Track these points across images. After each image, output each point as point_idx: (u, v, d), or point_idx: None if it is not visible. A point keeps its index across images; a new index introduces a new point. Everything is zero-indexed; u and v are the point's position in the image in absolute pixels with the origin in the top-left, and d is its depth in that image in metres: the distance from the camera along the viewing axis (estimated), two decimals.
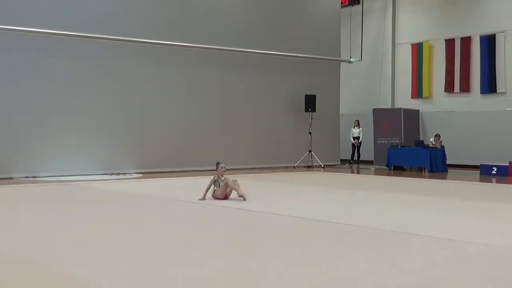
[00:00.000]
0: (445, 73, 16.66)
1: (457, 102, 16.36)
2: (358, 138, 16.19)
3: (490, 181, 11.52)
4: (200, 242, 4.58)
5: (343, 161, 16.62)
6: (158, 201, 7.53)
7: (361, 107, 17.66)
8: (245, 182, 8.08)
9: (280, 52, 14.91)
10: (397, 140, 15.50)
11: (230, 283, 3.31)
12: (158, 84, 12.99)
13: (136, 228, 5.27)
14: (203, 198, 7.18)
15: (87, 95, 11.93)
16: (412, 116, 16.51)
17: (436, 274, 3.51)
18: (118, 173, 11.95)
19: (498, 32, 15.45)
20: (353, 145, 16.28)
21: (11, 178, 10.62)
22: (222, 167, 7.17)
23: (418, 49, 17.39)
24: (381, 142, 15.86)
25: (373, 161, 15.99)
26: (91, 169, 11.69)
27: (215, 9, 14.06)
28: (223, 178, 7.18)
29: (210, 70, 13.83)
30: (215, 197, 7.21)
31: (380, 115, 16.24)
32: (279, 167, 14.43)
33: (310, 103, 15.05)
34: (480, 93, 15.90)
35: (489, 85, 15.65)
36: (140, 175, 11.91)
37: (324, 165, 14.85)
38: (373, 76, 18.23)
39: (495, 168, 12.97)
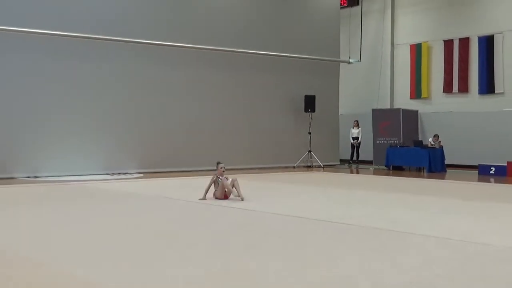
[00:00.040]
0: (444, 73, 16.73)
1: (456, 103, 16.43)
2: (357, 138, 16.25)
3: (489, 181, 11.58)
4: (200, 242, 4.59)
5: (342, 161, 16.68)
6: (158, 201, 7.55)
7: (360, 108, 17.74)
8: (245, 182, 8.11)
9: (280, 53, 14.97)
10: (396, 140, 15.56)
11: (230, 283, 3.31)
12: (158, 84, 13.04)
13: (136, 228, 5.28)
14: (203, 198, 7.22)
15: (88, 95, 11.98)
16: (411, 116, 16.57)
17: (436, 273, 3.52)
18: (119, 173, 12.00)
19: (496, 33, 15.52)
20: (353, 145, 16.34)
21: (13, 178, 10.67)
22: (221, 167, 7.18)
23: (417, 50, 17.45)
24: (380, 142, 15.93)
25: (372, 161, 16.05)
26: (91, 169, 11.74)
27: (215, 10, 14.11)
28: (222, 178, 7.18)
29: (210, 70, 13.88)
30: (215, 197, 7.26)
31: (379, 115, 16.31)
32: (279, 167, 14.49)
33: (309, 103, 15.10)
34: (478, 94, 15.97)
35: (487, 86, 15.72)
36: (141, 175, 11.96)
37: (323, 165, 14.91)
38: (372, 76, 18.30)
39: (493, 168, 13.03)
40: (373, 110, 16.53)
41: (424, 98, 17.30)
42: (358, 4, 17.62)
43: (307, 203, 7.32)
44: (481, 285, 3.30)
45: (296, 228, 5.34)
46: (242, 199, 7.08)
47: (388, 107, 17.66)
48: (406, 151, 14.54)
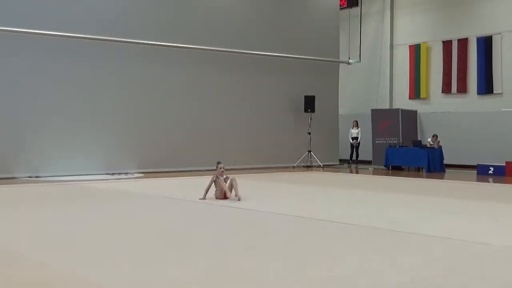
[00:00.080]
0: (443, 74, 16.80)
1: (454, 103, 16.50)
2: (356, 138, 16.31)
3: (487, 181, 11.63)
4: (200, 242, 4.60)
5: (342, 161, 16.74)
6: (158, 201, 7.56)
7: (359, 108, 17.81)
8: (244, 181, 8.12)
9: (280, 54, 15.04)
10: (395, 140, 15.62)
11: (230, 283, 3.32)
12: (158, 84, 13.09)
13: (136, 228, 5.29)
14: (203, 198, 7.24)
15: (89, 95, 12.03)
16: (410, 116, 16.64)
17: (435, 273, 3.54)
18: (120, 173, 12.05)
19: (495, 34, 15.59)
20: (352, 145, 16.40)
21: (14, 178, 10.72)
22: (220, 168, 7.18)
23: (415, 51, 17.52)
24: (379, 142, 15.99)
25: (371, 161, 16.11)
26: (92, 169, 11.79)
27: (215, 11, 14.16)
28: (221, 178, 7.19)
29: (210, 70, 13.93)
30: (216, 197, 7.30)
31: (378, 115, 16.37)
32: (278, 167, 14.54)
33: (309, 103, 15.16)
34: (477, 94, 16.04)
35: (486, 86, 15.79)
36: (141, 175, 12.01)
37: (323, 165, 14.96)
38: (372, 77, 18.36)
39: (492, 168, 13.09)
40: (373, 110, 16.60)
41: (423, 98, 17.37)
42: (357, 5, 17.70)
43: (306, 203, 7.32)
44: (481, 284, 3.32)
45: (296, 227, 5.34)
46: (239, 199, 7.07)
47: (387, 107, 17.72)
48: (405, 151, 14.60)
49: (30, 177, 10.96)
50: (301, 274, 3.51)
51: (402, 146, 14.98)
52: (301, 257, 4.00)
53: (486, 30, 15.75)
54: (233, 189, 7.26)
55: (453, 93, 16.60)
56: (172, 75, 13.31)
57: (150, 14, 13.03)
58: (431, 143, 14.46)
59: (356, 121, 16.42)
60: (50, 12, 11.51)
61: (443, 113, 16.44)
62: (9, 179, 10.48)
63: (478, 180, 11.93)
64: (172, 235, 4.93)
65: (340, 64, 16.94)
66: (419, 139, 15.89)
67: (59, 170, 11.33)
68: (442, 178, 12.29)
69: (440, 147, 14.33)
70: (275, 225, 5.50)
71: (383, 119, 16.20)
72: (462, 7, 16.49)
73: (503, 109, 15.20)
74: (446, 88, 16.74)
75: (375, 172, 14.19)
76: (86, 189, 9.08)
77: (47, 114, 11.44)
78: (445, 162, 14.39)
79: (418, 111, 17.04)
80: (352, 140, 16.38)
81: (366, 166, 15.74)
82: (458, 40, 16.38)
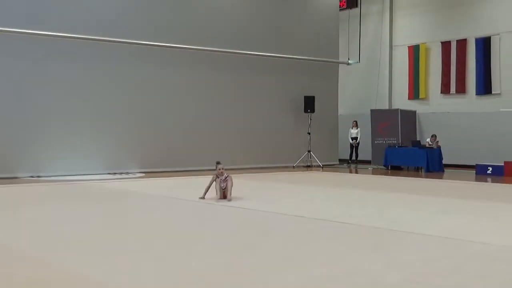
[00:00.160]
0: (441, 74, 16.89)
1: (453, 103, 16.59)
2: (356, 138, 16.40)
3: (486, 181, 11.66)
4: (199, 241, 4.57)
5: (341, 161, 16.82)
6: (158, 200, 7.58)
7: (359, 108, 17.91)
8: (245, 181, 8.08)
9: (280, 54, 15.12)
10: (394, 140, 15.71)
11: (230, 282, 3.33)
12: (159, 84, 13.16)
13: (136, 227, 5.30)
14: (203, 197, 7.26)
15: (90, 96, 12.11)
16: (409, 117, 16.72)
17: (434, 272, 3.56)
18: (121, 173, 12.14)
19: (493, 35, 15.69)
20: (351, 145, 16.48)
21: (16, 178, 10.79)
22: (219, 168, 7.13)
23: (414, 51, 17.62)
24: (378, 142, 16.08)
25: (370, 161, 16.20)
26: (94, 168, 11.87)
27: (215, 11, 14.23)
28: (221, 178, 7.17)
29: (210, 71, 14.02)
30: (218, 197, 7.36)
31: (377, 116, 16.45)
32: (278, 167, 14.62)
33: (309, 104, 15.25)
34: (476, 94, 16.14)
35: (484, 87, 15.89)
36: (142, 174, 12.09)
37: (322, 165, 15.05)
38: (371, 77, 18.45)
39: (490, 168, 13.17)
40: (372, 111, 16.69)
41: (422, 98, 17.46)
42: (357, 6, 17.80)
43: (306, 202, 7.32)
44: (480, 283, 3.32)
45: (296, 227, 5.33)
46: (229, 200, 7.02)
47: (387, 107, 17.81)
48: (405, 151, 14.69)
49: (32, 176, 11.04)
50: (301, 273, 3.51)
51: (401, 146, 15.07)
52: (301, 257, 4.00)
53: (485, 31, 15.85)
54: (229, 187, 7.17)
55: (452, 94, 16.69)
56: (172, 76, 13.38)
57: (151, 16, 13.10)
58: (430, 143, 14.55)
59: (356, 121, 16.51)
60: (52, 13, 11.58)
61: (442, 114, 16.54)
62: (11, 179, 10.55)
63: (476, 180, 11.97)
64: (172, 235, 4.92)
65: (340, 65, 17.03)
66: (418, 139, 15.97)
67: (60, 169, 11.41)
68: (441, 178, 12.34)
69: (439, 147, 14.42)
70: (275, 225, 5.49)
71: (382, 119, 16.29)
72: (460, 8, 16.58)
73: (501, 109, 15.29)
74: (445, 89, 16.84)
75: (375, 172, 14.24)
76: (87, 189, 9.11)
77: (48, 114, 11.51)
78: (444, 162, 14.47)
79: (417, 112, 17.13)
80: (352, 140, 16.46)
81: (366, 166, 15.83)
82: (457, 41, 16.47)
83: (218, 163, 7.21)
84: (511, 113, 14.99)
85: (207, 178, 7.54)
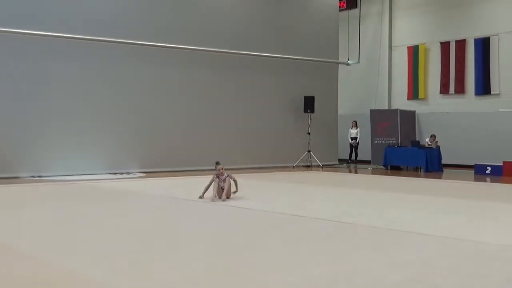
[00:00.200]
0: (441, 75, 16.93)
1: (452, 103, 16.63)
2: (355, 138, 16.43)
3: (485, 181, 11.70)
4: (199, 241, 4.57)
5: (341, 161, 16.85)
6: (159, 200, 7.60)
7: (358, 108, 17.95)
8: (244, 181, 8.08)
9: (280, 55, 15.16)
10: (394, 140, 15.75)
11: (230, 282, 3.33)
12: (159, 85, 13.19)
13: (136, 226, 5.31)
14: (202, 196, 7.29)
15: (90, 96, 12.13)
16: (408, 117, 16.76)
17: (433, 271, 3.58)
18: (122, 173, 12.17)
19: (492, 35, 15.73)
20: (351, 145, 16.51)
21: (17, 178, 10.82)
22: (219, 168, 7.14)
23: (414, 52, 17.65)
24: (378, 142, 16.12)
25: (370, 161, 16.23)
26: (94, 168, 11.90)
27: (214, 11, 14.26)
28: (221, 178, 7.20)
29: (210, 71, 14.04)
30: (219, 197, 7.38)
31: (377, 116, 16.49)
32: (278, 167, 14.65)
33: (309, 104, 15.29)
34: (475, 95, 16.17)
35: (483, 87, 15.93)
36: (143, 174, 12.12)
37: (322, 165, 15.08)
38: (370, 78, 18.49)
39: (489, 168, 13.21)
40: (371, 111, 16.72)
41: (421, 99, 17.50)
42: (356, 7, 17.85)
43: (306, 202, 7.34)
44: (479, 283, 3.34)
45: (296, 227, 5.34)
46: (223, 200, 7.05)
47: (386, 107, 17.84)
48: (404, 151, 14.73)
49: (33, 176, 11.07)
50: (300, 273, 3.52)
51: (400, 146, 15.10)
52: (301, 256, 4.02)
53: (484, 31, 15.89)
54: (227, 187, 7.21)
55: (451, 94, 16.73)
56: (172, 75, 13.41)
57: (151, 16, 13.12)
58: (429, 143, 14.59)
59: (355, 121, 16.54)
60: (52, 14, 11.60)
61: (441, 114, 16.57)
62: (13, 179, 10.58)
63: (475, 179, 11.99)
64: (172, 235, 4.94)
65: (340, 65, 17.06)
66: (417, 139, 16.01)
67: (61, 169, 11.44)
68: (440, 177, 12.37)
69: (438, 147, 14.45)
70: (274, 225, 5.51)
71: (382, 119, 16.32)
72: (459, 9, 16.62)
73: (500, 110, 15.33)
74: (444, 89, 16.88)
75: (374, 172, 14.28)
76: (87, 189, 9.13)
77: (49, 114, 11.53)
78: (443, 162, 14.51)
79: (416, 112, 17.16)
80: (351, 140, 16.50)
81: (365, 166, 15.86)
82: (456, 41, 16.51)
83: (217, 163, 7.23)
84: (510, 113, 15.03)
85: (207, 178, 7.56)
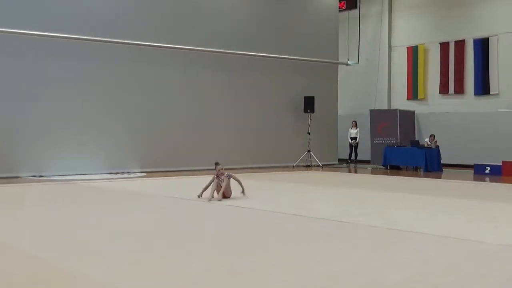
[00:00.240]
0: (440, 75, 16.94)
1: (452, 104, 16.65)
2: (355, 138, 16.45)
3: (484, 180, 11.71)
4: (199, 240, 4.59)
5: (341, 161, 16.87)
6: (159, 200, 7.62)
7: (358, 108, 17.97)
8: (245, 181, 8.10)
9: (280, 55, 15.17)
10: (393, 140, 15.77)
11: (230, 281, 3.34)
12: (159, 85, 13.21)
13: (136, 226, 5.33)
14: (200, 196, 7.29)
15: (91, 96, 12.15)
16: (408, 117, 16.78)
17: (433, 270, 3.59)
18: (122, 172, 12.18)
19: (491, 36, 15.75)
20: (351, 145, 16.53)
21: (18, 177, 10.84)
22: (218, 169, 7.17)
23: (413, 52, 17.67)
24: (377, 142, 16.14)
25: (370, 160, 16.25)
26: (95, 168, 11.92)
27: (214, 11, 14.28)
28: (221, 178, 7.21)
29: (210, 71, 14.06)
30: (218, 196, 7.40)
31: (376, 116, 16.51)
32: (278, 167, 14.68)
33: (309, 104, 15.31)
34: (474, 95, 16.19)
35: (483, 87, 15.94)
36: (143, 174, 12.13)
37: (322, 165, 15.10)
38: (370, 78, 18.51)
39: (488, 168, 13.22)
40: (371, 111, 16.74)
41: (421, 99, 17.52)
42: (356, 7, 17.88)
43: (306, 201, 7.35)
44: (478, 282, 3.35)
45: (296, 226, 5.35)
46: (219, 200, 7.08)
47: (386, 108, 17.86)
48: (403, 151, 14.75)
49: (34, 176, 11.08)
50: (300, 272, 3.53)
51: (400, 146, 15.12)
52: (301, 256, 4.02)
53: (483, 32, 15.91)
54: (224, 187, 7.22)
55: (450, 94, 16.75)
56: (172, 75, 13.43)
57: (150, 16, 13.14)
58: (428, 143, 14.61)
59: (355, 121, 16.56)
60: (52, 14, 11.62)
61: (440, 114, 16.59)
62: (13, 178, 10.60)
63: (475, 179, 12.01)
64: (172, 235, 4.95)
65: (339, 65, 17.08)
66: (416, 139, 16.03)
67: (62, 169, 11.46)
68: (439, 177, 12.38)
69: (437, 147, 14.47)
70: (274, 224, 5.52)
71: (381, 119, 16.34)
72: (459, 9, 16.64)
73: (499, 110, 15.35)
74: (444, 89, 16.89)
75: (374, 172, 14.30)
76: (88, 188, 9.14)
77: (49, 114, 11.55)
78: (442, 161, 14.53)
79: (416, 112, 17.19)
80: (351, 140, 16.51)
81: (365, 166, 15.88)
82: (455, 41, 16.53)
83: (216, 163, 7.26)
84: (509, 113, 15.06)
85: (207, 178, 7.58)
